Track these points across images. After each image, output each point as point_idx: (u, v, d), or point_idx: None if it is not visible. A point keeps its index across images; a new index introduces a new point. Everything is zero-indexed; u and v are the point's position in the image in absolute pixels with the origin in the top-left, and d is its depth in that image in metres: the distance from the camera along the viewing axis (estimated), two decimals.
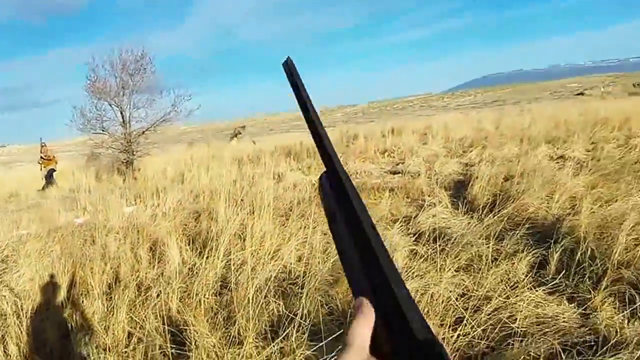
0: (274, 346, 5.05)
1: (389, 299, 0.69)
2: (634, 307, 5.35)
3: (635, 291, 5.72)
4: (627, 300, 5.61)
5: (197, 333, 5.39)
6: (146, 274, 7.44)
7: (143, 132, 20.75)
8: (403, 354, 0.66)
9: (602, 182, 10.53)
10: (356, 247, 0.77)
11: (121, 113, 20.25)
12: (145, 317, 5.95)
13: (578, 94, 70.73)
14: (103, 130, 20.22)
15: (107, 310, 6.44)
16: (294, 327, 5.23)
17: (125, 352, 5.57)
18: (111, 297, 6.73)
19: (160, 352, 5.44)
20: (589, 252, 6.70)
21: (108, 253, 8.44)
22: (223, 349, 5.21)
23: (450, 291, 5.91)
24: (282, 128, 66.78)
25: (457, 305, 5.62)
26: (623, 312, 5.40)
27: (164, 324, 5.75)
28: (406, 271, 6.58)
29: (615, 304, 5.66)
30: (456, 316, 5.50)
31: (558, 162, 14.01)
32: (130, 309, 6.22)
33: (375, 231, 0.75)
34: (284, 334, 5.18)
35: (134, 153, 20.55)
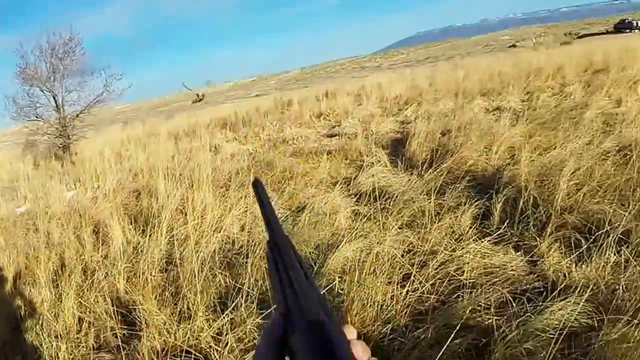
0: (224, 318, 5.08)
1: (292, 299, 0.84)
2: (580, 250, 5.46)
3: (580, 235, 5.86)
4: (572, 244, 5.76)
5: (146, 312, 5.38)
6: (91, 257, 7.35)
7: (77, 115, 20.38)
8: (298, 337, 0.78)
9: (540, 130, 10.71)
10: (281, 279, 0.91)
11: (54, 98, 19.87)
12: (94, 300, 5.90)
13: (510, 46, 71.28)
14: (37, 117, 19.82)
15: (56, 297, 6.35)
16: (242, 297, 5.26)
17: (77, 337, 5.51)
18: (58, 284, 6.64)
19: (112, 334, 5.41)
20: (531, 200, 6.83)
21: (52, 240, 8.34)
22: (174, 325, 5.22)
23: (396, 248, 5.95)
24: (216, 100, 66.27)
25: (403, 262, 5.68)
26: (570, 256, 5.51)
27: (113, 305, 5.73)
28: (350, 232, 6.63)
29: (562, 249, 5.79)
30: (403, 273, 5.56)
31: (494, 114, 14.15)
32: (79, 294, 6.15)
33: (295, 262, 0.94)
34: (233, 305, 5.20)
35: (70, 137, 20.18)
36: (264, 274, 5.80)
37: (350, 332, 0.86)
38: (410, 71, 36.56)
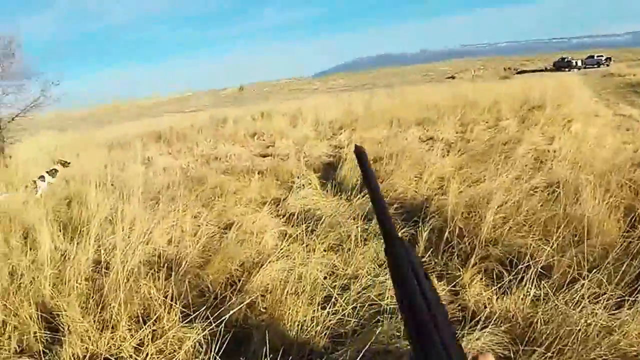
0: (146, 329, 5.09)
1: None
2: (502, 282, 5.54)
3: (503, 268, 5.96)
4: (495, 276, 5.86)
5: (70, 318, 5.35)
6: (19, 261, 7.28)
7: (13, 119, 20.10)
8: None
9: (471, 162, 10.82)
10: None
11: None
12: (19, 304, 5.85)
13: (449, 77, 72.08)
14: None
15: None
16: (165, 309, 5.30)
17: (0, 340, 5.48)
18: None
19: (35, 339, 5.38)
20: (457, 231, 6.93)
21: None
22: (96, 333, 5.20)
23: (319, 270, 6.01)
24: (153, 113, 65.73)
25: (325, 284, 5.73)
26: (492, 288, 5.62)
27: (37, 310, 5.67)
28: (275, 252, 6.67)
29: (484, 280, 5.89)
30: (325, 295, 5.60)
31: (427, 144, 14.31)
32: (4, 297, 6.10)
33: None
34: (156, 317, 5.23)
35: (5, 140, 19.89)
36: (187, 287, 5.80)
37: None
38: (347, 96, 36.60)
